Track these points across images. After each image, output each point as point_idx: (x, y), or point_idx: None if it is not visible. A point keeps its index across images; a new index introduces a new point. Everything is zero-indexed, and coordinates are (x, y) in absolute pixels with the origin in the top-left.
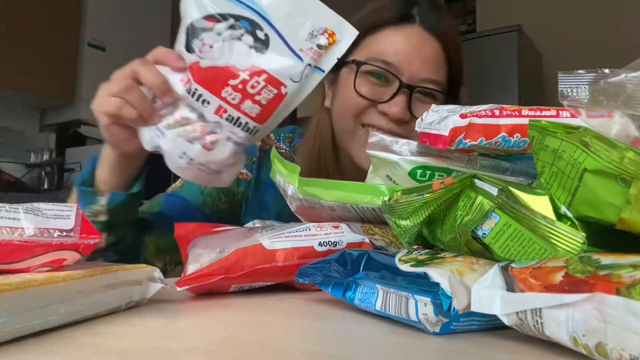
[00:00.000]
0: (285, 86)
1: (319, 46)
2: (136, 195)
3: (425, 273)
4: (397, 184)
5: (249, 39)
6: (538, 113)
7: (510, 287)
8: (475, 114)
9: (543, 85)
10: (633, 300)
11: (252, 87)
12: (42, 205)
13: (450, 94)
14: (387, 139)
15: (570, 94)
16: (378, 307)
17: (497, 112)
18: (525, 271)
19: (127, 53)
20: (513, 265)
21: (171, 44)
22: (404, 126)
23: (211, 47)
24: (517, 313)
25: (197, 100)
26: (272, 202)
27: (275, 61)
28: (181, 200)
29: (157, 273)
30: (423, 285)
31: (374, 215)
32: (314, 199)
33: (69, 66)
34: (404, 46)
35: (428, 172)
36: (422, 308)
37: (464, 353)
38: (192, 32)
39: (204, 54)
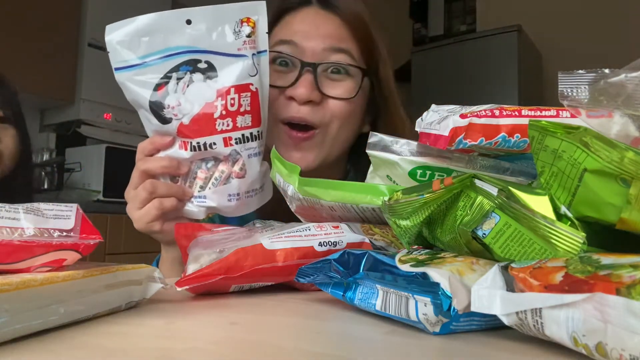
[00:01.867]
0: (251, 84)
1: (248, 35)
2: None
3: (425, 273)
4: (397, 184)
5: (198, 76)
6: (538, 113)
7: (510, 287)
8: (475, 114)
9: (543, 85)
10: (633, 300)
11: (232, 105)
12: (42, 205)
13: (369, 69)
14: (387, 139)
15: (570, 94)
16: (378, 307)
17: (497, 112)
18: (525, 271)
19: None
20: (513, 265)
21: None
22: (317, 108)
23: (179, 105)
24: (517, 313)
25: (205, 149)
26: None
27: (229, 74)
28: None
29: (157, 273)
30: (423, 285)
31: (374, 215)
32: (314, 199)
33: (69, 66)
34: (301, 26)
35: (428, 172)
36: (422, 308)
37: (464, 353)
38: (156, 107)
39: (178, 114)
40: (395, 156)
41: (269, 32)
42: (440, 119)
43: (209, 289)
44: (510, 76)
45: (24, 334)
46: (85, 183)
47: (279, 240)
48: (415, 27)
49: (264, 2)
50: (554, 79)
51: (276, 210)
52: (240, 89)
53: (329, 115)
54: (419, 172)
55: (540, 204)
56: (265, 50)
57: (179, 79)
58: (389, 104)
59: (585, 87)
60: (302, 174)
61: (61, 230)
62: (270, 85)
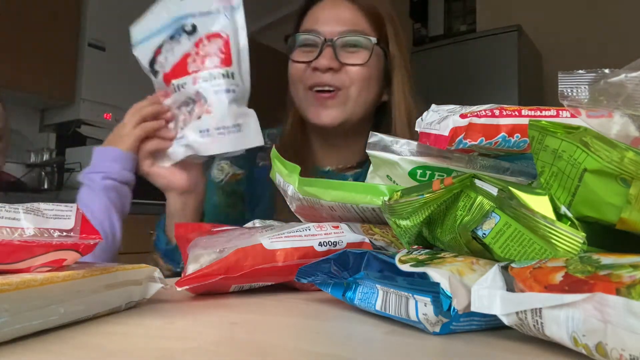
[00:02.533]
0: (223, 32)
1: None
2: None
3: (425, 273)
4: (397, 184)
5: (184, 36)
6: (538, 113)
7: (510, 287)
8: (475, 114)
9: (543, 85)
10: (633, 300)
11: (202, 49)
12: (42, 205)
13: (380, 44)
14: (387, 138)
15: (570, 94)
16: (378, 307)
17: (497, 112)
18: (525, 271)
19: (127, 53)
20: (513, 265)
21: None
22: (338, 75)
23: (165, 59)
24: (517, 313)
25: (179, 89)
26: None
27: (204, 27)
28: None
29: (157, 273)
30: (423, 285)
31: (374, 215)
32: (313, 199)
33: (69, 66)
34: (322, 13)
35: (428, 172)
36: (422, 308)
37: (464, 353)
38: (151, 64)
39: (165, 66)
40: (395, 156)
41: (298, 24)
42: (440, 119)
43: (209, 289)
44: (510, 76)
45: (24, 334)
46: None
47: (279, 240)
48: (415, 27)
49: None
50: (554, 79)
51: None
52: (212, 36)
53: (348, 80)
54: (419, 172)
55: (540, 204)
56: (238, 6)
57: (171, 39)
58: (396, 77)
59: (585, 87)
60: (333, 129)
61: (61, 230)
62: (299, 61)
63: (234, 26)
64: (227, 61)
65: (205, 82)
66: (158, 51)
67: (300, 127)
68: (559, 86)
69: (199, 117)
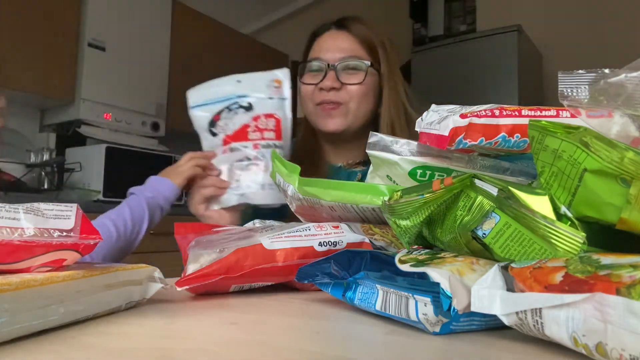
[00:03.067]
0: (276, 114)
1: (276, 87)
2: None
3: (425, 273)
4: (397, 184)
5: (241, 110)
6: (538, 113)
7: (510, 287)
8: (475, 114)
9: (543, 85)
10: (633, 300)
11: (261, 124)
12: (42, 205)
13: (373, 65)
14: (387, 139)
15: (570, 94)
16: (378, 307)
17: (497, 112)
18: (525, 271)
19: (127, 53)
20: (513, 265)
21: (171, 44)
22: (340, 92)
23: (226, 125)
24: (517, 313)
25: (238, 150)
26: None
27: (261, 108)
28: None
29: (157, 273)
30: (423, 285)
31: (374, 215)
32: (314, 199)
33: (69, 66)
34: (325, 43)
35: (428, 172)
36: (422, 308)
37: (464, 353)
38: (211, 127)
39: (226, 130)
40: (395, 156)
41: (306, 54)
42: (440, 119)
43: (209, 289)
44: (510, 76)
45: (24, 334)
46: (85, 183)
47: (279, 240)
48: (415, 27)
49: (287, 69)
50: (554, 79)
51: None
52: (268, 116)
53: (348, 96)
54: (419, 172)
55: (540, 204)
56: (288, 97)
57: (229, 111)
58: (388, 94)
59: (585, 87)
60: (338, 135)
61: (61, 230)
62: (309, 84)
63: (284, 112)
64: (279, 136)
65: (264, 148)
66: (217, 117)
67: (312, 135)
68: (559, 86)
69: (255, 173)
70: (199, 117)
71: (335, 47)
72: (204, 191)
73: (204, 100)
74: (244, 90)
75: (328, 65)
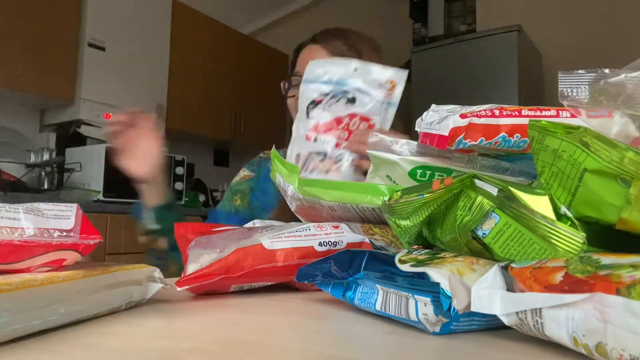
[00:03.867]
0: (372, 119)
1: (388, 88)
2: (171, 205)
3: (425, 273)
4: (397, 184)
5: (343, 100)
6: (538, 113)
7: (510, 287)
8: (475, 114)
9: (543, 85)
10: (633, 300)
11: (353, 125)
12: (42, 205)
13: None
14: (387, 139)
15: (570, 94)
16: (378, 307)
17: (497, 112)
18: (525, 271)
19: (127, 53)
20: (513, 265)
21: (171, 44)
22: None
23: (322, 110)
24: (517, 313)
25: (319, 141)
26: (270, 186)
27: (362, 107)
28: (216, 213)
29: (157, 273)
30: (423, 285)
31: (374, 215)
32: (314, 199)
33: (69, 66)
34: (302, 57)
35: (428, 172)
36: (422, 308)
37: (464, 353)
38: (311, 106)
39: (319, 119)
40: (395, 156)
41: (293, 66)
42: (440, 119)
43: (209, 289)
44: (510, 76)
45: (24, 334)
46: (85, 183)
47: (279, 240)
48: (415, 27)
49: (405, 72)
50: (554, 79)
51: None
52: (364, 119)
53: None
54: (419, 172)
55: (540, 204)
56: (395, 104)
57: (332, 97)
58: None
59: (585, 87)
60: None
61: (61, 230)
62: (290, 96)
63: (383, 118)
64: None
65: (345, 150)
66: (320, 99)
67: None
68: (559, 86)
69: (327, 171)
70: (307, 93)
71: (312, 60)
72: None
73: (321, 77)
74: (356, 82)
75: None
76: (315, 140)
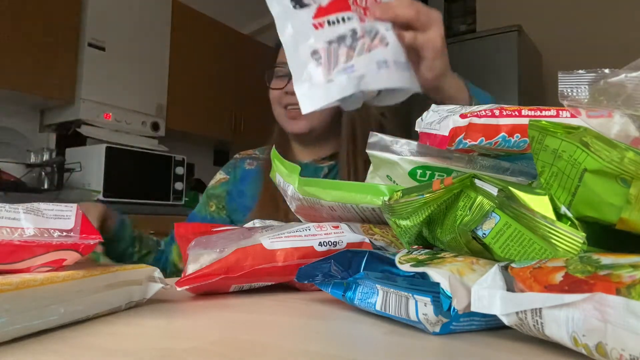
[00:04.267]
0: None
1: None
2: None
3: (425, 273)
4: (397, 184)
5: None
6: (538, 113)
7: (510, 287)
8: (475, 114)
9: (543, 85)
10: (633, 300)
11: None
12: (42, 206)
13: None
14: (387, 139)
15: (570, 94)
16: (378, 307)
17: (497, 112)
18: (525, 271)
19: (127, 53)
20: (513, 265)
21: (171, 44)
22: None
23: None
24: (517, 313)
25: (336, 23)
26: (246, 188)
27: None
28: (193, 216)
29: (157, 273)
30: (423, 285)
31: (374, 215)
32: (314, 199)
33: (69, 66)
34: None
35: (428, 172)
36: (422, 308)
37: (464, 353)
38: None
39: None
40: (395, 156)
41: (273, 60)
42: (440, 119)
43: (209, 289)
44: (510, 76)
45: (24, 334)
46: (85, 183)
47: (279, 240)
48: None
49: None
50: (554, 79)
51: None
52: None
53: None
54: (419, 172)
55: (540, 204)
56: None
57: None
58: None
59: (585, 87)
60: (304, 135)
61: (61, 230)
62: (275, 88)
63: None
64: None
65: (371, 23)
66: None
67: (282, 134)
68: (559, 86)
69: (369, 51)
70: None
71: None
72: None
73: None
74: None
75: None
76: (330, 23)
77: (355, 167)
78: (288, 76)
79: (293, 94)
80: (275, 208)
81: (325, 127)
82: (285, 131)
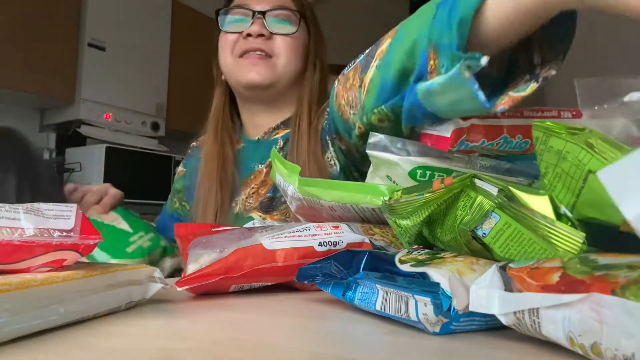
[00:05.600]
0: None
1: None
2: None
3: (425, 273)
4: (397, 184)
5: None
6: (540, 114)
7: (508, 287)
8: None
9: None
10: (628, 300)
11: None
12: (42, 206)
13: (305, 20)
14: (387, 139)
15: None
16: (378, 307)
17: (498, 113)
18: (522, 271)
19: (127, 53)
20: (511, 265)
21: (171, 44)
22: (268, 42)
23: None
24: (514, 313)
25: None
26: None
27: None
28: (164, 210)
29: (157, 273)
30: (423, 285)
31: (374, 215)
32: (313, 199)
33: (69, 66)
34: None
35: (428, 173)
36: (422, 308)
37: (464, 353)
38: None
39: None
40: (395, 156)
41: (228, 3)
42: (441, 120)
43: (209, 289)
44: None
45: (24, 334)
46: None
47: (279, 240)
48: None
49: None
50: (553, 79)
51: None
52: None
53: (277, 48)
54: (419, 172)
55: (540, 204)
56: None
57: None
58: (315, 53)
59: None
60: (262, 91)
61: (61, 231)
62: (231, 32)
63: None
64: None
65: None
66: None
67: (226, 102)
68: (579, 96)
69: None
70: None
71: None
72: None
73: None
74: None
75: (254, 12)
76: None
77: (299, 134)
78: (250, 19)
79: (256, 36)
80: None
81: (285, 85)
82: (236, 88)
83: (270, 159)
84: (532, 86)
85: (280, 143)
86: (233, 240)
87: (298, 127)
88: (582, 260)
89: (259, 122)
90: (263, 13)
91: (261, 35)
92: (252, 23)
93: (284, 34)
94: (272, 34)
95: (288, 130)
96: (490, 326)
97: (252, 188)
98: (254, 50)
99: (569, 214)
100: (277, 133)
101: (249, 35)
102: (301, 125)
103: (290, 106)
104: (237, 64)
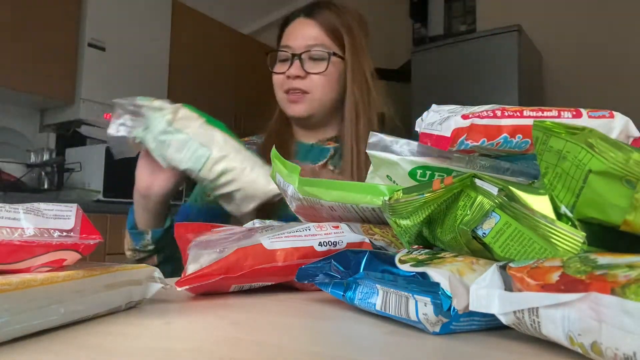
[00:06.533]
0: None
1: None
2: (169, 228)
3: (425, 273)
4: (397, 184)
5: None
6: (540, 114)
7: (508, 287)
8: (477, 114)
9: (543, 85)
10: (627, 299)
11: None
12: (42, 206)
13: (338, 54)
14: (387, 139)
15: None
16: (378, 307)
17: (498, 113)
18: (522, 271)
19: (127, 53)
20: (511, 264)
21: (171, 44)
22: (304, 81)
23: None
24: (514, 312)
25: None
26: None
27: None
28: (185, 206)
29: (157, 273)
30: (423, 285)
31: (374, 215)
32: (314, 199)
33: (69, 66)
34: (291, 31)
35: (428, 172)
36: (422, 308)
37: (464, 353)
38: None
39: None
40: (395, 156)
41: (278, 43)
42: (441, 120)
43: (209, 289)
44: (510, 76)
45: (24, 334)
46: (85, 183)
47: (279, 240)
48: (415, 27)
49: None
50: (554, 79)
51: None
52: None
53: (312, 85)
54: (419, 172)
55: (540, 204)
56: None
57: None
58: (352, 78)
59: None
60: (304, 120)
61: (61, 230)
62: (277, 73)
63: None
64: None
65: None
66: None
67: (284, 117)
68: None
69: None
70: None
71: (301, 35)
72: None
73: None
74: None
75: (293, 55)
76: None
77: (357, 150)
78: (290, 60)
79: (295, 78)
80: None
81: (326, 112)
82: (287, 115)
83: (322, 161)
84: None
85: (332, 151)
86: (233, 240)
87: (349, 144)
88: (582, 260)
89: (309, 135)
90: (299, 55)
91: (298, 76)
92: (291, 65)
93: (317, 73)
94: (307, 73)
95: (337, 145)
96: (490, 326)
97: None
98: (293, 89)
99: (569, 214)
100: (329, 143)
101: (288, 77)
102: (345, 143)
103: (335, 124)
104: (283, 100)
